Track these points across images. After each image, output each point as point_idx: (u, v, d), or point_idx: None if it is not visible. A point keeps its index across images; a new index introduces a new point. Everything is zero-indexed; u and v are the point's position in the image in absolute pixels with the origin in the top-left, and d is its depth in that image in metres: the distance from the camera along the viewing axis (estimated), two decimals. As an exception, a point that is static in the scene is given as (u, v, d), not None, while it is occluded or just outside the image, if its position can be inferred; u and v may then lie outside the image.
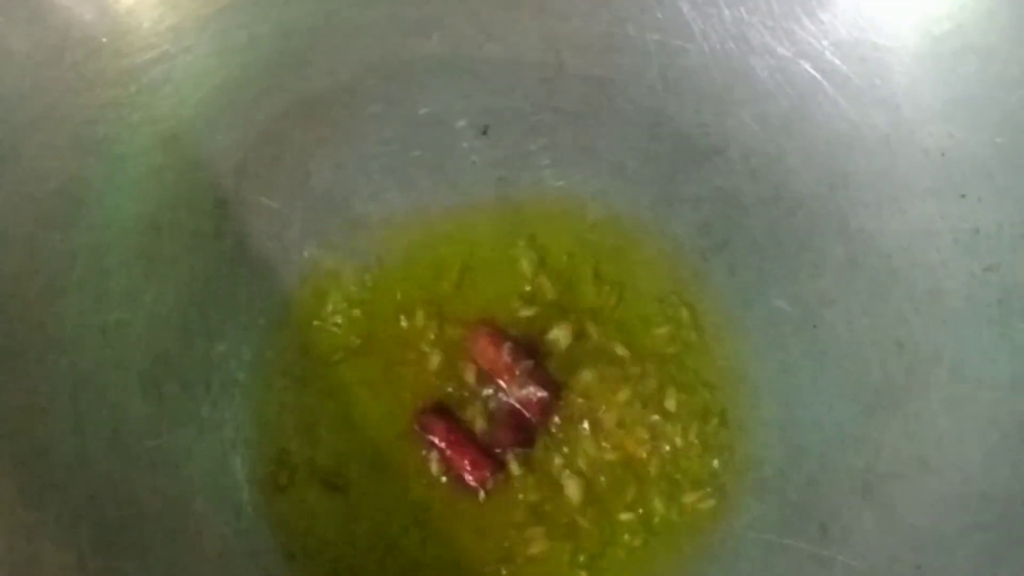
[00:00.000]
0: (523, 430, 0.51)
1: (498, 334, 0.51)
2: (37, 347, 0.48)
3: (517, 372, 0.50)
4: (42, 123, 0.49)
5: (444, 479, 0.50)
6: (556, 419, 0.51)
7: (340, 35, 0.54)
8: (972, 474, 0.48)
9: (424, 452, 0.51)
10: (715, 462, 0.51)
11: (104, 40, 0.50)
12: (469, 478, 0.50)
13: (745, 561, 0.49)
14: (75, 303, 0.49)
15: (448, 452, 0.50)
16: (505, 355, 0.51)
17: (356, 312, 0.53)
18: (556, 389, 0.51)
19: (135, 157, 0.51)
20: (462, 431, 0.51)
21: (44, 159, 0.49)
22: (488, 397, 0.52)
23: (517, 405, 0.51)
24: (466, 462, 0.50)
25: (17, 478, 0.46)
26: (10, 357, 0.47)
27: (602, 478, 0.51)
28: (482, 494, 0.50)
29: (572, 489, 0.50)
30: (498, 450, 0.51)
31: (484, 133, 0.55)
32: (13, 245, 0.48)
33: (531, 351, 0.52)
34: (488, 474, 0.50)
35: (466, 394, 0.52)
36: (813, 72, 0.53)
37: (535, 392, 0.50)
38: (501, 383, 0.51)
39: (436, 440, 0.50)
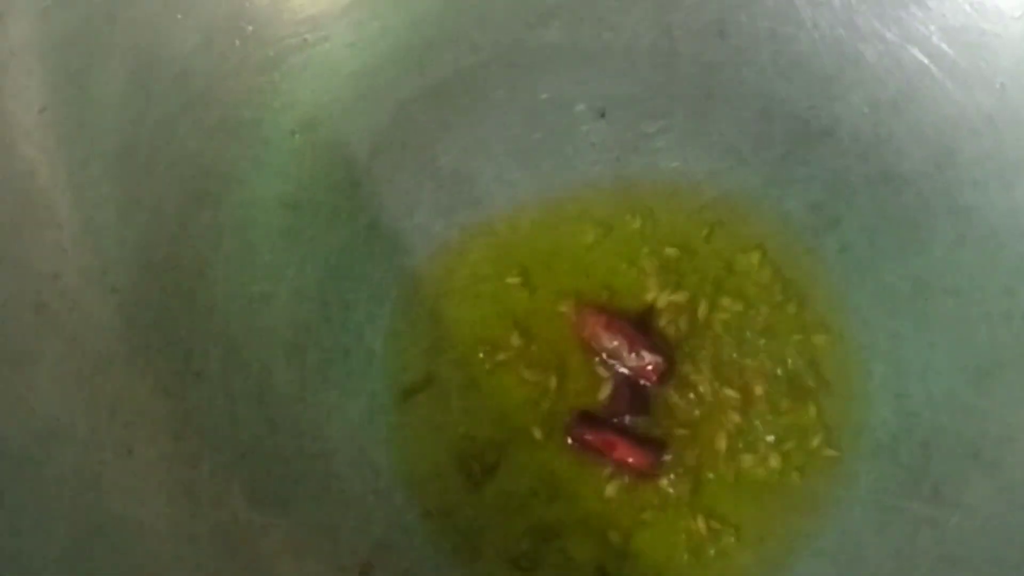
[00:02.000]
0: (638, 398, 0.52)
1: (605, 312, 0.53)
2: (190, 315, 0.51)
3: (629, 345, 0.52)
4: (192, 107, 0.52)
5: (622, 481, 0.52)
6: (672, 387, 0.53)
7: (465, 25, 0.57)
8: (1082, 440, 0.50)
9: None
10: (831, 428, 0.52)
11: (249, 28, 0.53)
12: (638, 468, 0.51)
13: (861, 521, 0.51)
14: (223, 275, 0.52)
15: (608, 453, 0.52)
16: (615, 332, 0.52)
17: (483, 287, 0.54)
18: (670, 356, 0.52)
19: (277, 140, 0.54)
20: (611, 427, 0.53)
21: (194, 141, 0.52)
22: (602, 369, 0.53)
23: (631, 374, 0.52)
24: (629, 459, 0.51)
25: (174, 438, 0.49)
26: (166, 324, 0.50)
27: (722, 438, 0.52)
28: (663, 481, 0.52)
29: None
30: (615, 420, 0.52)
31: (602, 116, 0.57)
32: (166, 220, 0.51)
33: (642, 324, 0.53)
34: (655, 459, 0.52)
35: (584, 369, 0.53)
36: (920, 56, 0.55)
37: (649, 359, 0.52)
38: (615, 358, 0.53)
39: (594, 446, 0.52)
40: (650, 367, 0.52)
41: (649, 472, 0.52)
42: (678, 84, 0.58)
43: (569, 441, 0.53)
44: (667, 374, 0.53)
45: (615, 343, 0.53)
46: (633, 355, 0.52)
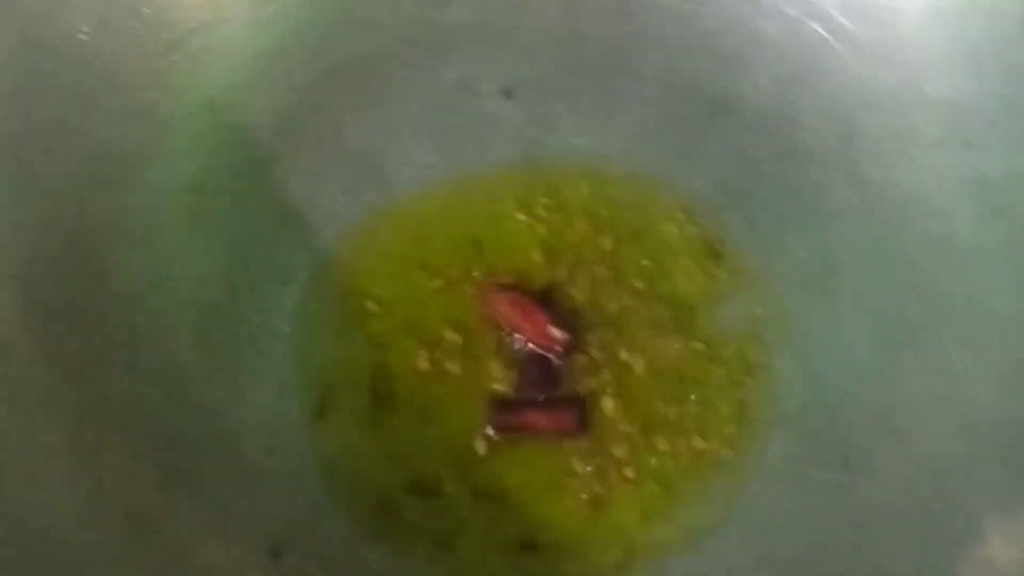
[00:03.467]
0: (547, 374, 0.53)
1: (508, 291, 0.53)
2: (94, 301, 0.50)
3: (533, 321, 0.52)
4: (90, 91, 0.52)
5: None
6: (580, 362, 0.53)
7: (368, 4, 0.56)
8: (986, 403, 0.51)
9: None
10: (740, 397, 0.52)
11: (147, 11, 0.53)
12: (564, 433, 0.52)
13: (771, 490, 0.51)
14: (127, 260, 0.51)
15: (532, 431, 0.52)
16: (519, 309, 0.52)
17: (391, 267, 0.54)
18: (575, 330, 0.53)
19: (179, 123, 0.53)
20: (525, 406, 0.53)
21: (94, 125, 0.52)
22: (509, 347, 0.53)
23: (539, 351, 0.52)
24: (553, 428, 0.52)
25: (79, 424, 0.48)
26: (69, 310, 0.49)
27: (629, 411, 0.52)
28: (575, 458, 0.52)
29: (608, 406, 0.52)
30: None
31: (509, 97, 0.57)
32: (67, 205, 0.50)
33: (546, 300, 0.53)
34: (576, 419, 0.52)
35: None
36: (822, 31, 0.56)
37: (554, 333, 0.52)
38: (521, 335, 0.53)
39: (516, 429, 0.52)
40: (555, 342, 0.52)
41: (576, 432, 0.52)
42: (585, 64, 0.58)
43: (490, 431, 0.52)
44: (572, 348, 0.52)
45: (519, 320, 0.52)
46: (538, 331, 0.52)
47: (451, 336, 0.54)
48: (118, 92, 0.52)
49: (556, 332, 0.53)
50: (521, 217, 0.56)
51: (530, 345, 0.53)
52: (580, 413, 0.53)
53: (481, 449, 0.52)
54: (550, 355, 0.53)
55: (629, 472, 0.52)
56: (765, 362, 0.54)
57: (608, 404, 0.52)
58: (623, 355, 0.54)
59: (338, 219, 0.56)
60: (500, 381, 0.53)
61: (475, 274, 0.55)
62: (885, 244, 0.54)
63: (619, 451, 0.52)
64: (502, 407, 0.52)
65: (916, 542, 0.50)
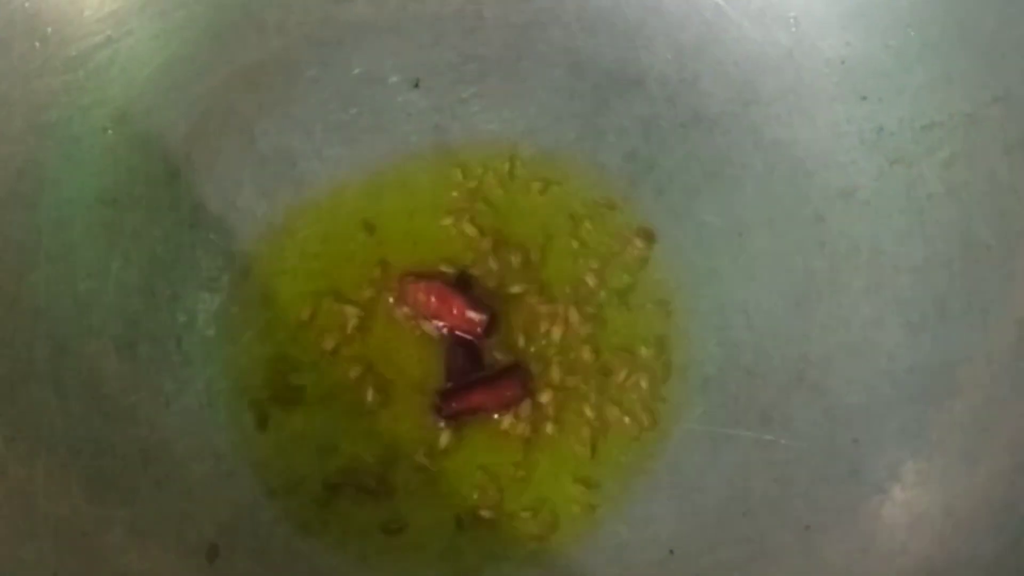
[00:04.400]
0: (471, 355, 0.54)
1: (423, 278, 0.55)
2: (14, 318, 0.51)
3: (450, 305, 0.53)
4: (-1, 113, 0.52)
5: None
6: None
7: (270, 5, 0.57)
8: (897, 351, 0.52)
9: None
10: (657, 364, 0.53)
11: (49, 30, 0.53)
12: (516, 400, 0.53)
13: (694, 452, 0.53)
14: (45, 276, 0.52)
15: (485, 409, 0.53)
16: (435, 295, 0.54)
17: (312, 264, 0.55)
18: (493, 311, 0.54)
19: (88, 137, 0.54)
20: (468, 387, 0.54)
21: (3, 146, 0.52)
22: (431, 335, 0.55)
23: (459, 333, 0.53)
24: (504, 398, 0.53)
25: (5, 440, 0.49)
26: (-3, 324, 0.50)
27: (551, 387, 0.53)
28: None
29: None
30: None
31: (416, 86, 0.58)
32: (-19, 223, 0.51)
33: (462, 285, 0.55)
34: (522, 384, 0.54)
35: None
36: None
37: (472, 315, 0.53)
38: (441, 322, 0.54)
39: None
40: (476, 324, 0.53)
41: (527, 394, 0.54)
42: (488, 48, 0.59)
43: (443, 423, 0.54)
44: (491, 328, 0.53)
45: (438, 307, 0.53)
46: (456, 314, 0.53)
47: (374, 327, 0.54)
48: (23, 111, 0.52)
49: (475, 315, 0.53)
50: (434, 205, 0.56)
51: (452, 331, 0.54)
52: (522, 379, 0.54)
53: (443, 440, 0.54)
54: (472, 337, 0.54)
55: (552, 434, 0.53)
56: (681, 328, 0.54)
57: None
58: (542, 329, 0.54)
59: (256, 221, 0.56)
60: (424, 367, 0.53)
61: (393, 266, 0.55)
62: (790, 202, 0.56)
63: (541, 421, 0.53)
64: (447, 397, 0.53)
65: (837, 491, 0.51)
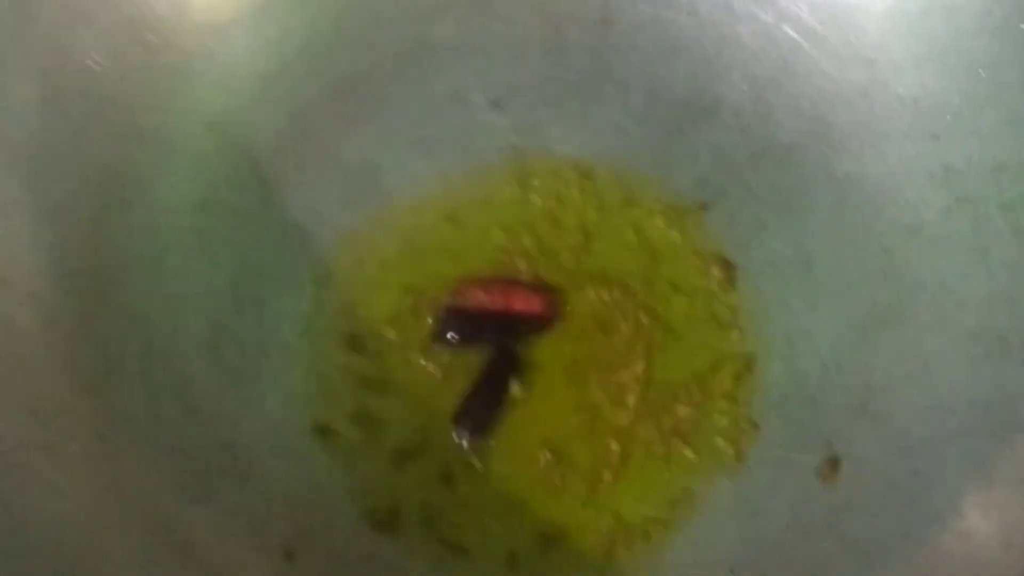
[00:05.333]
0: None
1: (482, 279, 0.57)
2: (107, 317, 0.53)
3: (514, 295, 0.56)
4: (100, 115, 0.54)
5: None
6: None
7: (361, 25, 0.59)
8: (958, 385, 0.53)
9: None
10: (725, 390, 0.55)
11: (151, 38, 0.55)
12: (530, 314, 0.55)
13: (757, 476, 0.54)
14: (138, 277, 0.54)
15: (499, 299, 0.55)
16: (497, 289, 0.56)
17: (391, 275, 0.57)
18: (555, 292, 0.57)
19: (183, 143, 0.56)
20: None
21: (103, 147, 0.54)
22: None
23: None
24: (518, 296, 0.55)
25: (98, 437, 0.51)
26: (85, 326, 0.52)
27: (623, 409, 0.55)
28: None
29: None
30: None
31: (497, 106, 0.60)
32: (80, 225, 0.53)
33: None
34: (551, 302, 0.56)
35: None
36: (794, 34, 0.58)
37: (537, 297, 0.56)
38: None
39: (482, 300, 0.56)
40: (539, 301, 0.56)
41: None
42: (567, 71, 0.61)
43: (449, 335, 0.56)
44: (557, 307, 0.57)
45: (499, 299, 0.55)
46: (520, 298, 0.55)
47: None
48: (125, 115, 0.54)
49: (538, 295, 0.56)
50: (510, 222, 0.58)
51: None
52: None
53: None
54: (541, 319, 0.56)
55: (616, 455, 0.54)
56: (748, 354, 0.56)
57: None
58: (613, 352, 0.56)
59: (339, 230, 0.58)
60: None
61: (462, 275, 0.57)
62: (858, 235, 0.57)
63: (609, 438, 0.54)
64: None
65: (896, 520, 0.52)
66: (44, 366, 0.50)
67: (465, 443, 0.56)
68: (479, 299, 0.56)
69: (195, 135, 0.56)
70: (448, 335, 0.56)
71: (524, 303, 0.56)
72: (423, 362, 0.56)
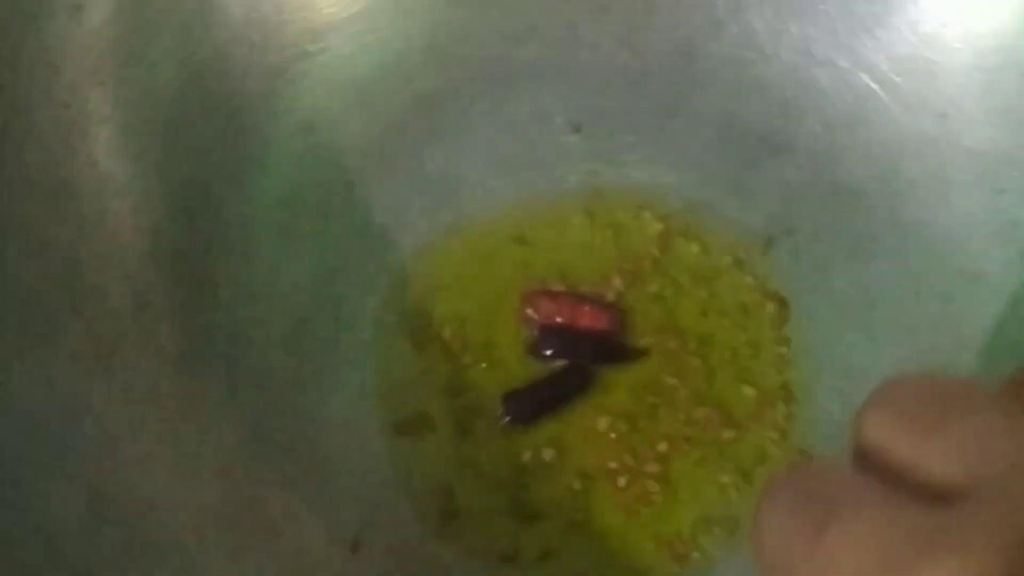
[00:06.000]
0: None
1: (549, 290, 0.59)
2: (196, 304, 0.55)
3: (581, 309, 0.58)
4: (206, 112, 0.56)
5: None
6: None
7: (454, 41, 0.61)
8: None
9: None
10: (782, 425, 0.57)
11: (256, 38, 0.57)
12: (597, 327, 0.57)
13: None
14: (226, 268, 0.56)
15: (567, 311, 0.57)
16: (565, 302, 0.58)
17: (463, 284, 0.59)
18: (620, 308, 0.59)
19: (278, 143, 0.58)
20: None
21: (204, 141, 0.56)
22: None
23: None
24: (585, 310, 0.58)
25: (181, 417, 0.53)
26: (174, 311, 0.54)
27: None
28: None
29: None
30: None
31: (578, 131, 0.62)
32: (176, 213, 0.55)
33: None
34: (612, 313, 0.58)
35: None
36: (870, 82, 0.61)
37: (598, 309, 0.58)
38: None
39: (550, 310, 0.58)
40: (605, 315, 0.58)
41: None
42: (648, 101, 0.63)
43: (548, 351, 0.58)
44: (622, 320, 0.59)
45: (566, 310, 0.58)
46: (587, 312, 0.57)
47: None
48: (228, 112, 0.56)
49: (604, 310, 0.58)
50: (583, 244, 0.60)
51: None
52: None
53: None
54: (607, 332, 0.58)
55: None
56: (806, 391, 0.58)
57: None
58: (669, 380, 0.58)
59: (417, 238, 0.60)
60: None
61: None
62: (921, 280, 0.59)
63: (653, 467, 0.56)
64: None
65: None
66: (137, 346, 0.52)
67: (502, 422, 0.57)
68: (548, 310, 0.57)
69: (290, 135, 0.58)
70: (546, 350, 0.57)
71: (591, 319, 0.57)
72: (483, 365, 0.58)
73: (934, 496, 0.27)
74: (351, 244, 0.59)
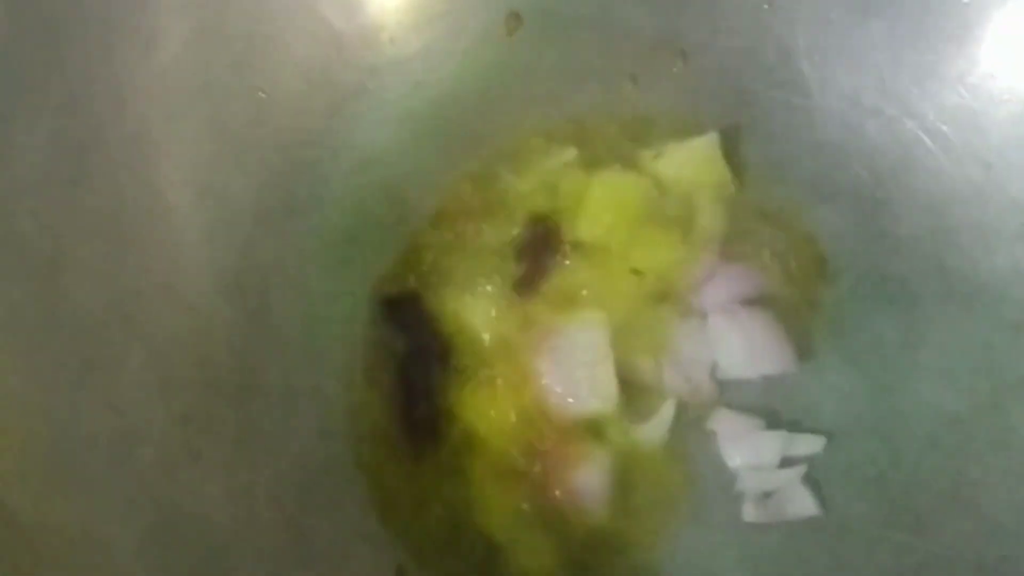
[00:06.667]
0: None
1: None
2: (254, 334, 0.56)
3: None
4: (265, 146, 0.57)
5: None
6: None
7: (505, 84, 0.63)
8: (1051, 479, 0.56)
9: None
10: (825, 464, 0.58)
11: (315, 75, 0.59)
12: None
13: (848, 547, 0.57)
14: (284, 299, 0.57)
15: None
16: None
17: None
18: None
19: (337, 178, 0.59)
20: None
21: (262, 175, 0.58)
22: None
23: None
24: None
25: (236, 445, 0.54)
26: (233, 340, 0.56)
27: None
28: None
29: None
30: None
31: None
32: (236, 245, 0.57)
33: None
34: None
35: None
36: (918, 131, 0.62)
37: None
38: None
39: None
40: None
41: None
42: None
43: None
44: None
45: None
46: None
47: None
48: (287, 147, 0.58)
49: None
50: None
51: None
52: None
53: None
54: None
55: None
56: (847, 431, 0.59)
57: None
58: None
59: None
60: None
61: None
62: (963, 327, 0.60)
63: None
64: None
65: (984, 604, 0.55)
66: (196, 374, 0.54)
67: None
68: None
69: (348, 171, 0.59)
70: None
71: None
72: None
73: None
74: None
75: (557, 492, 0.57)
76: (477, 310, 0.58)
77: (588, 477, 0.58)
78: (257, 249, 0.57)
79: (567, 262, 0.59)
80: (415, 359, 0.58)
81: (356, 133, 0.60)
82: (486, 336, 0.58)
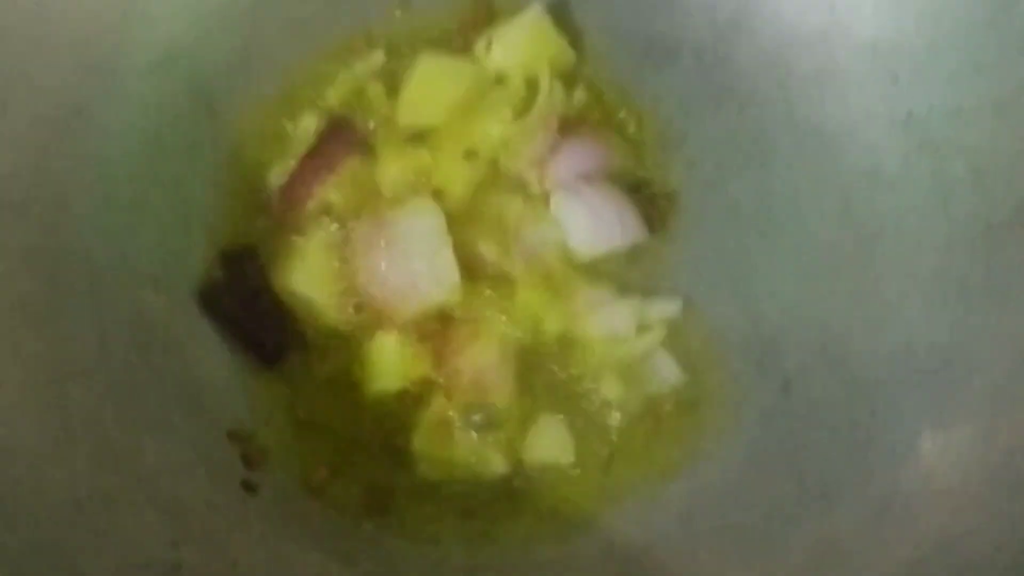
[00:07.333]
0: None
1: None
2: (54, 249, 0.51)
3: None
4: (51, 47, 0.53)
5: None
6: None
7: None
8: (917, 328, 0.53)
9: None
10: (682, 332, 0.55)
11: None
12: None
13: (713, 417, 0.54)
14: (85, 209, 0.52)
15: None
16: None
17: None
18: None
19: (134, 76, 0.55)
20: None
21: (49, 78, 0.53)
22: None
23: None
24: None
25: (45, 367, 0.49)
26: (31, 257, 0.50)
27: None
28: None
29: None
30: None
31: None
32: (26, 153, 0.51)
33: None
34: None
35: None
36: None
37: None
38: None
39: None
40: None
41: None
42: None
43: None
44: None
45: None
46: None
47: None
48: (75, 46, 0.53)
49: None
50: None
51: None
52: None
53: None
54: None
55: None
56: (706, 297, 0.56)
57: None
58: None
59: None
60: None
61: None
62: (818, 180, 0.57)
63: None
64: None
65: (853, 459, 0.52)
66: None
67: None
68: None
69: (146, 68, 0.55)
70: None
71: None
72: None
73: None
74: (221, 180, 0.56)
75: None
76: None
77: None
78: (51, 157, 0.52)
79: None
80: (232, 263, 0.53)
81: (151, 28, 0.55)
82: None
